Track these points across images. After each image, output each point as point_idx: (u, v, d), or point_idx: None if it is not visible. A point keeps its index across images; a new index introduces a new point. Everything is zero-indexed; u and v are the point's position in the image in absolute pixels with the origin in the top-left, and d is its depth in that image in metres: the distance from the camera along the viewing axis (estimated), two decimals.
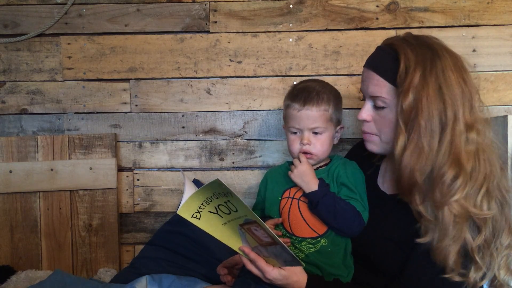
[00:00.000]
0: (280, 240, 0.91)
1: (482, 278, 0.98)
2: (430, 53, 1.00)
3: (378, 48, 1.10)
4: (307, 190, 1.10)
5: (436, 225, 0.97)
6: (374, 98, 1.07)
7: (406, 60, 1.00)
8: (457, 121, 0.96)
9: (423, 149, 0.97)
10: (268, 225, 1.13)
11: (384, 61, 1.05)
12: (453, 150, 0.96)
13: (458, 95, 0.97)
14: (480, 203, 0.96)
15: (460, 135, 0.96)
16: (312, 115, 1.12)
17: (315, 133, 1.14)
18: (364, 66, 1.10)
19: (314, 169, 1.16)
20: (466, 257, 0.97)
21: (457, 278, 0.96)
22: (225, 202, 0.89)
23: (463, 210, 0.95)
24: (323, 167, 1.18)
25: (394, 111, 1.03)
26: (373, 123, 1.09)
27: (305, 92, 1.14)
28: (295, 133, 1.16)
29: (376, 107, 1.07)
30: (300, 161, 1.13)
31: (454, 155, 0.96)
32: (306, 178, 1.11)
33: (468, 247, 0.96)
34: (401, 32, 1.27)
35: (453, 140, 0.96)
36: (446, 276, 0.96)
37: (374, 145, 1.12)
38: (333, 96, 1.17)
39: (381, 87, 1.04)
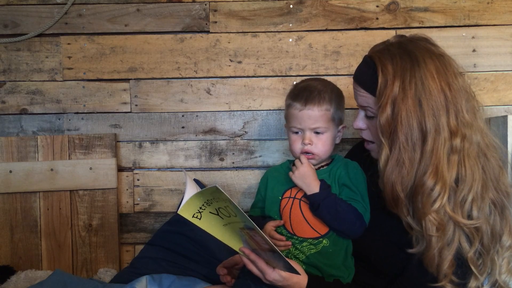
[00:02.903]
0: (280, 244, 0.91)
1: (485, 281, 0.97)
2: (410, 62, 0.98)
3: (363, 58, 1.10)
4: (309, 192, 1.10)
5: (422, 235, 0.97)
6: (364, 108, 1.08)
7: (384, 73, 0.99)
8: (439, 130, 0.95)
9: (404, 164, 0.96)
10: (269, 227, 1.13)
11: (365, 74, 1.06)
12: (433, 160, 0.95)
13: (440, 103, 0.96)
14: (469, 211, 0.95)
15: (444, 144, 0.95)
16: (313, 115, 1.12)
17: (317, 133, 1.14)
18: (352, 78, 1.12)
19: (316, 169, 1.16)
20: (465, 266, 0.97)
21: (449, 287, 0.96)
22: (225, 206, 0.89)
23: (443, 220, 0.94)
24: (325, 167, 1.18)
25: None
26: (369, 130, 1.11)
27: (307, 91, 1.14)
28: (297, 132, 1.16)
29: (368, 117, 1.09)
30: (302, 162, 1.12)
31: (434, 164, 0.95)
32: (307, 180, 1.10)
33: (464, 257, 0.96)
34: (401, 32, 1.27)
35: (434, 150, 0.95)
36: (439, 284, 0.96)
37: (375, 153, 1.13)
38: (335, 95, 1.16)
39: (367, 99, 1.06)
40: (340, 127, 1.19)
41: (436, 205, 0.94)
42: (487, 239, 0.96)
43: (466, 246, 0.95)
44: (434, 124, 0.95)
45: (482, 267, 0.97)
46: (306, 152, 1.14)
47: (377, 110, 1.02)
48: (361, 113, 1.11)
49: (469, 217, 0.95)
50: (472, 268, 0.95)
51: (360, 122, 1.11)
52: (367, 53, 1.10)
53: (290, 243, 1.11)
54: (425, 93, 0.96)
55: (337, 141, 1.20)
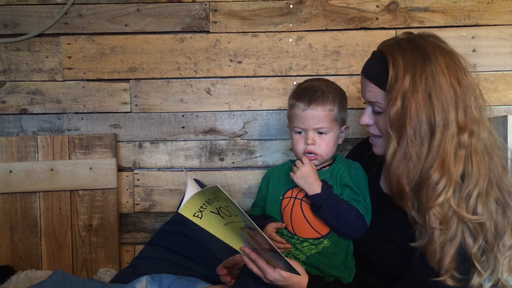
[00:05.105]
0: (280, 247, 0.91)
1: (486, 281, 0.98)
2: (421, 57, 0.99)
3: (372, 53, 1.10)
4: (310, 193, 1.09)
5: (426, 229, 0.97)
6: (371, 103, 1.08)
7: (395, 67, 0.99)
8: (448, 125, 0.96)
9: (411, 158, 0.97)
10: (270, 228, 1.13)
11: (375, 68, 1.05)
12: (440, 154, 0.96)
13: (450, 98, 0.96)
14: (474, 207, 0.96)
15: (452, 139, 0.96)
16: (317, 115, 1.12)
17: (320, 133, 1.13)
18: (361, 72, 1.11)
19: (318, 170, 1.15)
20: (468, 262, 0.97)
21: (450, 282, 0.95)
22: (225, 206, 0.89)
23: (447, 214, 0.95)
24: (326, 168, 1.18)
25: None
26: (376, 126, 1.10)
27: (310, 91, 1.14)
28: (300, 132, 1.15)
29: (375, 112, 1.08)
30: (303, 163, 1.12)
31: (441, 159, 0.96)
32: (309, 180, 1.10)
33: (468, 253, 0.96)
34: (401, 32, 1.27)
35: (441, 144, 0.96)
36: (440, 279, 0.96)
37: (380, 148, 1.12)
38: (338, 96, 1.16)
39: (376, 93, 1.05)
40: (343, 127, 1.19)
41: (441, 198, 0.95)
42: (491, 236, 0.96)
43: (470, 242, 0.96)
44: (443, 118, 0.96)
45: (485, 264, 0.97)
46: (309, 152, 1.14)
47: (386, 104, 1.02)
48: (368, 109, 1.10)
49: (474, 212, 0.96)
50: (476, 264, 0.96)
51: (367, 118, 1.10)
52: (368, 52, 1.10)
53: (289, 245, 1.11)
54: (435, 88, 0.96)
55: (340, 141, 1.20)
